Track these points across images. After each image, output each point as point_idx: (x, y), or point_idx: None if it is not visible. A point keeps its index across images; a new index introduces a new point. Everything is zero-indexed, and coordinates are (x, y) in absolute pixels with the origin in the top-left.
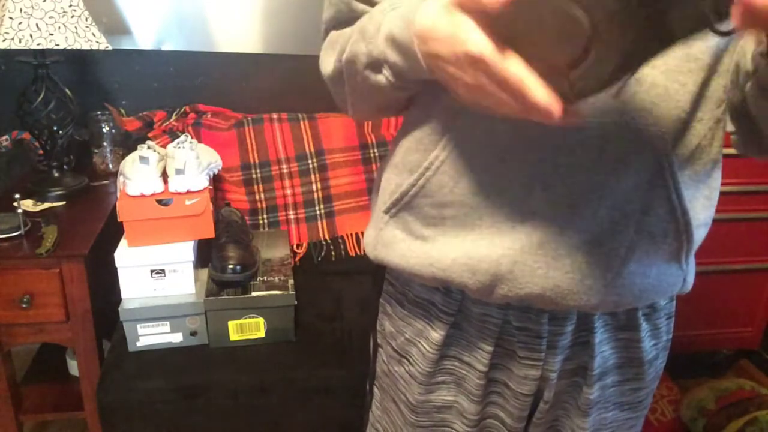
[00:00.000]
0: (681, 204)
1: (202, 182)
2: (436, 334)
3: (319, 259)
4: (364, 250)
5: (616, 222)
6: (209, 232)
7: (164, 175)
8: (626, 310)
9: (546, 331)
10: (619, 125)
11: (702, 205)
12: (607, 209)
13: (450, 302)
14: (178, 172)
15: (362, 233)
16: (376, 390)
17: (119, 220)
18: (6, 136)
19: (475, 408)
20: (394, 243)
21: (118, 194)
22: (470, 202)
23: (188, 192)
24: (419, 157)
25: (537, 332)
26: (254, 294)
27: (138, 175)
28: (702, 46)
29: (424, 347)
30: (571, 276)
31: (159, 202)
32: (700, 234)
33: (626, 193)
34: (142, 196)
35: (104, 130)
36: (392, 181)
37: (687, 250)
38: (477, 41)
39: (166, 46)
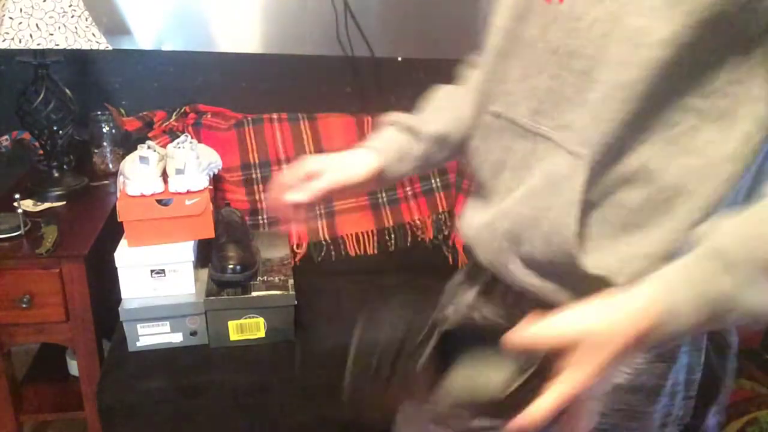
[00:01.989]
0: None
1: (202, 182)
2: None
3: (319, 259)
4: (364, 250)
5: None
6: (209, 232)
7: (164, 175)
8: None
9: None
10: None
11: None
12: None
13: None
14: (178, 172)
15: (362, 233)
16: None
17: (119, 220)
18: (6, 136)
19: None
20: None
21: (118, 194)
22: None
23: (188, 192)
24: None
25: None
26: (254, 294)
27: (138, 175)
28: None
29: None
30: (505, 255)
31: (159, 202)
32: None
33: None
34: (142, 196)
35: (104, 130)
36: None
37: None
38: None
39: (166, 46)
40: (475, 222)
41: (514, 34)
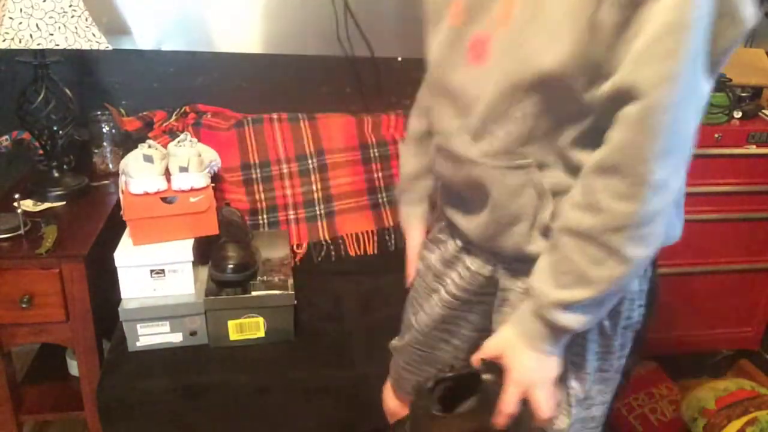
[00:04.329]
0: None
1: (205, 180)
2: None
3: (319, 259)
4: (364, 250)
5: None
6: (213, 229)
7: (166, 174)
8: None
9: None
10: None
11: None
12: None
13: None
14: (182, 169)
15: (362, 233)
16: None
17: (124, 218)
18: (6, 136)
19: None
20: None
21: (121, 193)
22: None
23: (192, 189)
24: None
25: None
26: (254, 294)
27: (142, 173)
28: None
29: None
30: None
31: (163, 200)
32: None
33: None
34: (146, 194)
35: (104, 130)
36: None
37: None
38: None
39: (166, 46)
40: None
41: (442, 81)
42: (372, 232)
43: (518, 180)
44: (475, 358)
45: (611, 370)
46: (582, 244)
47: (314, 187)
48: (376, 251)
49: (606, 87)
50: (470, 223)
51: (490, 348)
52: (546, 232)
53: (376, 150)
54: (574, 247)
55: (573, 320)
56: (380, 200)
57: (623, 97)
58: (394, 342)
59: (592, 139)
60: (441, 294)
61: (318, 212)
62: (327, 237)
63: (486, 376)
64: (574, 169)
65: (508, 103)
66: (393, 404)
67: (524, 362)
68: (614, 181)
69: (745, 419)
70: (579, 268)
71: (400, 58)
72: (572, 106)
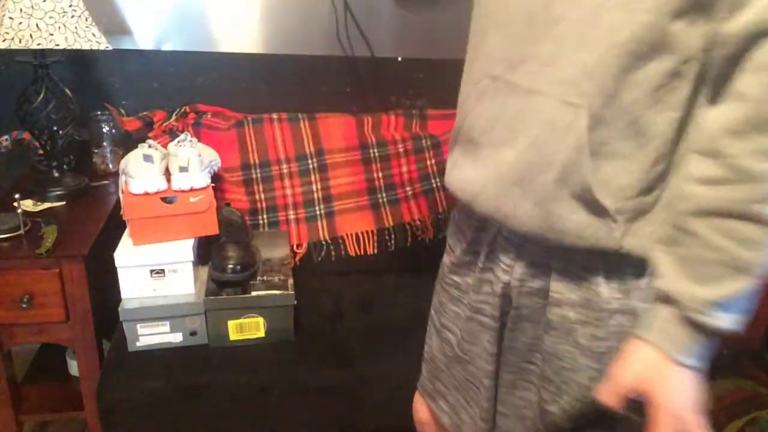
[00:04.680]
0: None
1: (205, 179)
2: (469, 233)
3: (319, 259)
4: (364, 250)
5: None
6: (213, 229)
7: (166, 174)
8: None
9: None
10: None
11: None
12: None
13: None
14: (182, 169)
15: (362, 233)
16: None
17: (124, 218)
18: (6, 136)
19: (474, 297)
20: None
21: (121, 193)
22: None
23: (192, 189)
24: (462, 106)
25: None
26: (254, 294)
27: (142, 173)
28: None
29: (462, 244)
30: (509, 201)
31: (163, 200)
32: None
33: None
34: (147, 194)
35: (104, 130)
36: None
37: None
38: None
39: (166, 46)
40: (475, 176)
41: (504, 7)
42: (372, 232)
43: (566, 119)
44: (609, 396)
45: None
46: (725, 225)
47: (314, 187)
48: (376, 251)
49: (731, 28)
50: (495, 166)
51: (626, 379)
52: (584, 199)
53: (376, 150)
54: (714, 230)
55: (730, 320)
56: (380, 200)
57: (756, 39)
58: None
59: (674, 97)
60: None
61: (318, 212)
62: (327, 237)
63: (631, 416)
64: (631, 132)
65: (591, 25)
66: (424, 416)
67: (678, 386)
68: (759, 140)
69: (745, 419)
70: (727, 254)
71: (400, 58)
72: (659, 47)
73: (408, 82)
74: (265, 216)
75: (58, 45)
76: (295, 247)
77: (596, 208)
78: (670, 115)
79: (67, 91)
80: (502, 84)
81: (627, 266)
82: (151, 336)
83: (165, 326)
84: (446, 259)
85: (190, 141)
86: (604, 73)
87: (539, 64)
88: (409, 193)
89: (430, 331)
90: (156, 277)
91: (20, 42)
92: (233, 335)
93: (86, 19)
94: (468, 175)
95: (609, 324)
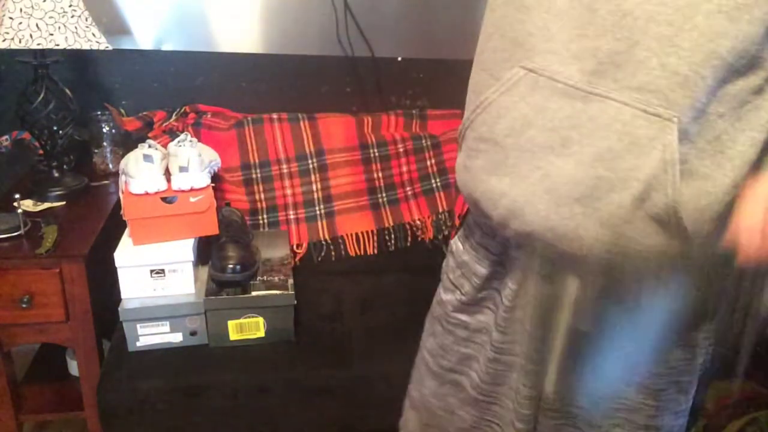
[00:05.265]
0: None
1: (205, 179)
2: (483, 270)
3: (319, 259)
4: (364, 250)
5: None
6: (213, 229)
7: (166, 174)
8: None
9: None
10: None
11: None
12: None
13: (496, 245)
14: (182, 169)
15: (362, 233)
16: (426, 323)
17: (125, 218)
18: (6, 136)
19: (500, 337)
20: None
21: (121, 193)
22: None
23: (192, 189)
24: (474, 98)
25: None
26: (254, 294)
27: (142, 173)
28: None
29: (474, 280)
30: (568, 221)
31: (164, 200)
32: None
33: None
34: (147, 194)
35: (104, 130)
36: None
37: None
38: None
39: (166, 46)
40: (511, 188)
41: None
42: (372, 232)
43: (649, 131)
44: (751, 237)
45: None
46: None
47: (314, 187)
48: (376, 251)
49: None
50: (544, 178)
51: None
52: (664, 221)
53: (376, 150)
54: None
55: None
56: (380, 200)
57: None
58: None
59: (757, 117)
60: None
61: (318, 212)
62: (327, 237)
63: None
64: (711, 150)
65: (681, 27)
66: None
67: None
68: None
69: (745, 419)
70: None
71: (400, 58)
72: (755, 62)
73: (408, 82)
74: (265, 216)
75: (58, 45)
76: (295, 247)
77: (679, 232)
78: (753, 135)
79: (67, 91)
80: (545, 79)
81: None
82: (151, 336)
83: (165, 326)
84: (448, 297)
85: (190, 141)
86: (699, 84)
87: (607, 64)
88: (409, 193)
89: (421, 375)
90: (156, 277)
91: (20, 42)
92: (233, 335)
93: (86, 19)
94: (496, 185)
95: (668, 359)
